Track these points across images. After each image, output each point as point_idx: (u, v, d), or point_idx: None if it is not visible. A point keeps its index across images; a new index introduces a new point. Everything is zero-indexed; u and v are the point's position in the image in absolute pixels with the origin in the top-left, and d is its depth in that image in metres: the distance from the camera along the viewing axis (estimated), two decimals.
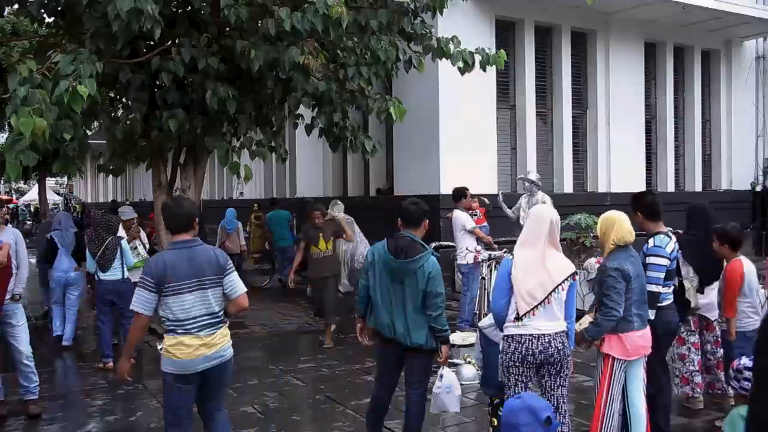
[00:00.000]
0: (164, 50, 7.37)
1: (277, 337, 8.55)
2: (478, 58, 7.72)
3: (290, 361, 7.32)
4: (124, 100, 9.22)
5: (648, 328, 4.21)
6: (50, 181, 35.20)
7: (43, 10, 7.64)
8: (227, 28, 7.60)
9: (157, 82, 8.22)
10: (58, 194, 39.39)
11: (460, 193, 8.48)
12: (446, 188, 11.23)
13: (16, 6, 8.20)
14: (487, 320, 4.23)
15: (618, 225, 4.16)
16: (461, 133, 11.39)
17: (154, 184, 9.37)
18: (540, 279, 3.72)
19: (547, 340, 3.72)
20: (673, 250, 4.47)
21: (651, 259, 4.40)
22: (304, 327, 9.06)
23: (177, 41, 7.38)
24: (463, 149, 11.39)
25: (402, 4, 7.84)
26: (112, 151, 8.62)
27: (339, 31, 6.56)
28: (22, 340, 5.45)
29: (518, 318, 3.73)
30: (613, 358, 4.10)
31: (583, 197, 12.65)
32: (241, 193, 18.89)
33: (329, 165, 15.02)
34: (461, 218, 8.33)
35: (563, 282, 3.75)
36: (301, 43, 6.65)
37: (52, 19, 8.32)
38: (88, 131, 8.77)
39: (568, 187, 12.96)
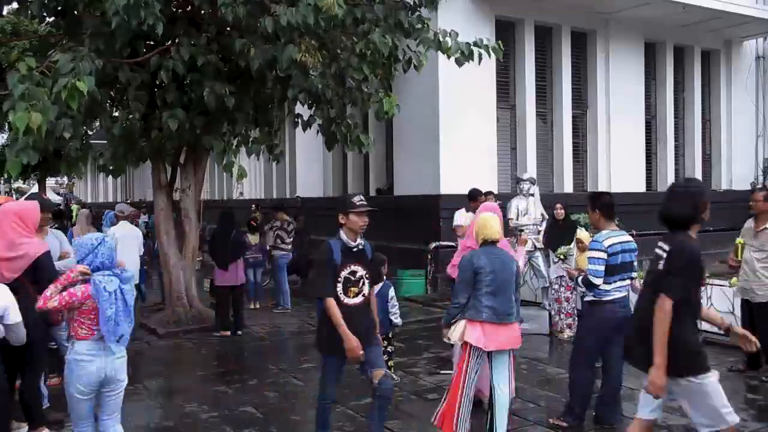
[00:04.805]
0: (164, 49, 7.37)
1: (277, 338, 8.55)
2: (476, 50, 7.70)
3: (290, 361, 7.32)
4: (124, 99, 9.23)
5: (513, 325, 4.52)
6: (50, 181, 35.16)
7: (43, 10, 7.64)
8: (227, 28, 7.60)
9: (157, 82, 8.23)
10: (58, 194, 39.38)
11: (469, 195, 8.38)
12: (446, 188, 11.25)
13: (15, 5, 8.20)
14: None
15: (483, 224, 4.66)
16: (461, 133, 11.38)
17: (154, 184, 9.38)
18: None
19: None
20: (613, 245, 4.76)
21: (589, 253, 4.86)
22: (305, 327, 9.06)
23: (176, 40, 7.38)
24: (463, 149, 11.39)
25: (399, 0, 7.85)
26: (113, 151, 8.63)
27: (333, 26, 6.55)
28: None
29: None
30: (471, 346, 4.45)
31: (583, 197, 12.62)
32: (241, 193, 18.89)
33: (329, 165, 15.02)
34: (456, 217, 8.40)
35: None
36: (299, 40, 6.65)
37: (52, 18, 8.32)
38: (89, 131, 8.81)
39: (568, 187, 12.95)
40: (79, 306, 3.70)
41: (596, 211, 4.96)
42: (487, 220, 4.69)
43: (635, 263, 5.19)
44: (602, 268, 4.73)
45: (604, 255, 4.73)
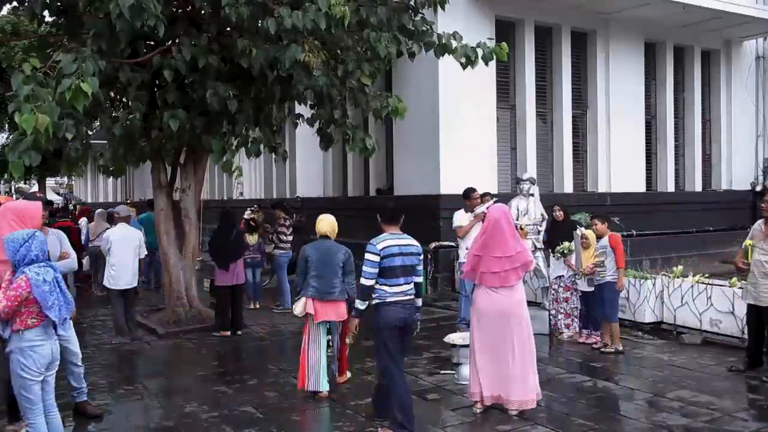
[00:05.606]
0: (164, 50, 7.38)
1: (277, 338, 8.56)
2: (480, 52, 7.70)
3: (290, 361, 7.32)
4: (124, 100, 9.23)
5: (339, 303, 5.75)
6: (50, 181, 35.20)
7: (44, 9, 7.65)
8: (228, 28, 7.61)
9: (157, 82, 8.24)
10: (58, 194, 39.42)
11: (463, 194, 8.47)
12: (446, 188, 11.25)
13: (15, 4, 8.21)
14: None
15: (318, 223, 5.88)
16: (461, 133, 11.39)
17: (154, 184, 9.38)
18: None
19: None
20: (387, 247, 4.69)
21: (365, 255, 4.77)
22: None
23: (177, 41, 7.39)
24: (463, 149, 11.39)
25: (402, 0, 7.84)
26: (113, 151, 8.63)
27: (341, 29, 6.56)
28: (74, 341, 5.38)
29: None
30: (310, 318, 5.77)
31: (583, 197, 12.66)
32: (241, 193, 18.89)
33: (329, 165, 15.02)
34: (455, 218, 8.42)
35: None
36: (302, 41, 6.65)
37: (53, 18, 8.33)
38: (89, 131, 8.81)
39: (568, 187, 12.95)
40: (26, 296, 3.97)
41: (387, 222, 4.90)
42: (320, 220, 5.87)
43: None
44: (374, 269, 4.66)
45: (376, 257, 4.66)
